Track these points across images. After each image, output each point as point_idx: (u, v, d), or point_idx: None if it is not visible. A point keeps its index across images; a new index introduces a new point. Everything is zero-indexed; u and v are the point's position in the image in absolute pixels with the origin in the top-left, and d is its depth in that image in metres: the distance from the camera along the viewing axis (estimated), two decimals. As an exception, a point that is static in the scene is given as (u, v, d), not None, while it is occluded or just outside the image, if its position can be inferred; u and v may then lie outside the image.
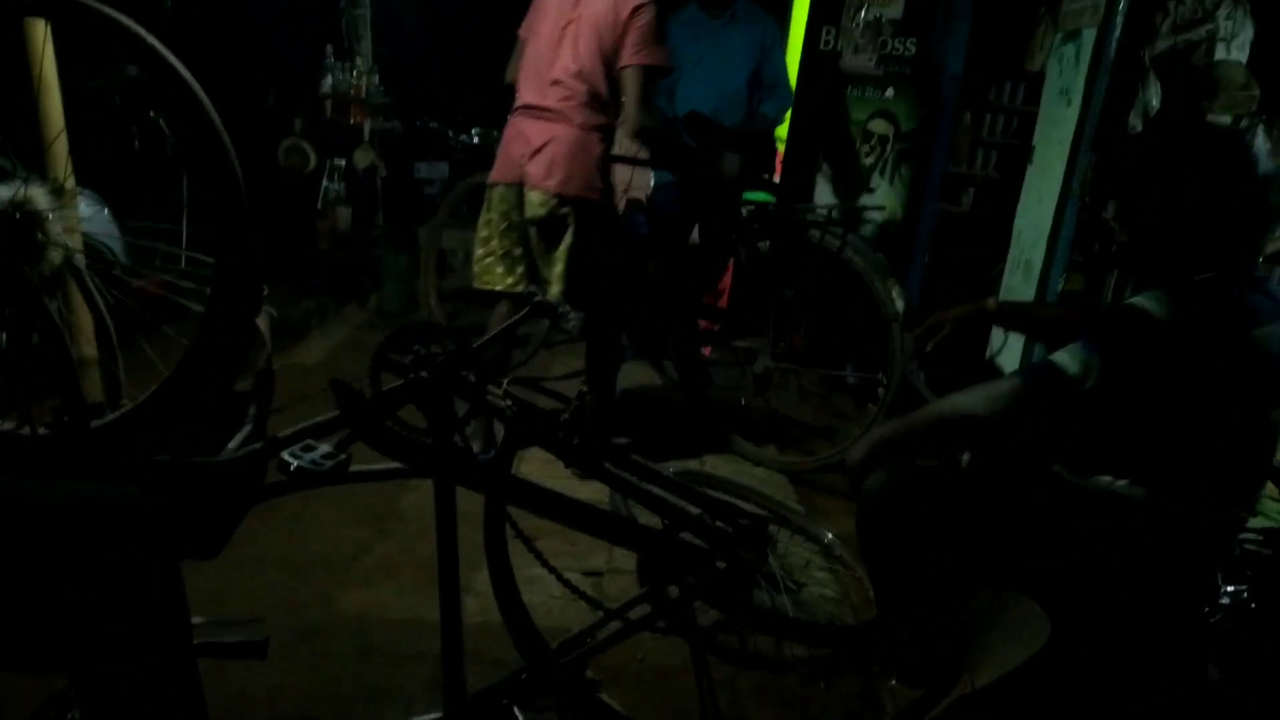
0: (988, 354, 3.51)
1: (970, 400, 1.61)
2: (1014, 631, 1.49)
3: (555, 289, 2.97)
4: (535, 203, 2.89)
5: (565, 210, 2.89)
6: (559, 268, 2.95)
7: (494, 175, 3.02)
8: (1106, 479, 1.66)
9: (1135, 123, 3.38)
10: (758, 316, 3.54)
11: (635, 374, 4.18)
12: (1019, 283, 3.43)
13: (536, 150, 2.86)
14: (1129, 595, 1.56)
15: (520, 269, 3.04)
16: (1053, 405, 1.55)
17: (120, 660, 1.25)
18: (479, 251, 3.08)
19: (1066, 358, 1.53)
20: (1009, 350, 3.41)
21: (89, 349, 1.62)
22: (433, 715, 1.66)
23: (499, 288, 3.05)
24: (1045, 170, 3.39)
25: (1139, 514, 1.60)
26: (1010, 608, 1.51)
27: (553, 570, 1.62)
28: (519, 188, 2.93)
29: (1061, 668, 1.47)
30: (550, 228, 2.92)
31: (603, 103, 2.90)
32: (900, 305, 3.18)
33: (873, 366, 3.38)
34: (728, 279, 4.45)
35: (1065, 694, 1.54)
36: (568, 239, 2.92)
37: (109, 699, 1.29)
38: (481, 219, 3.07)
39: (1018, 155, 3.78)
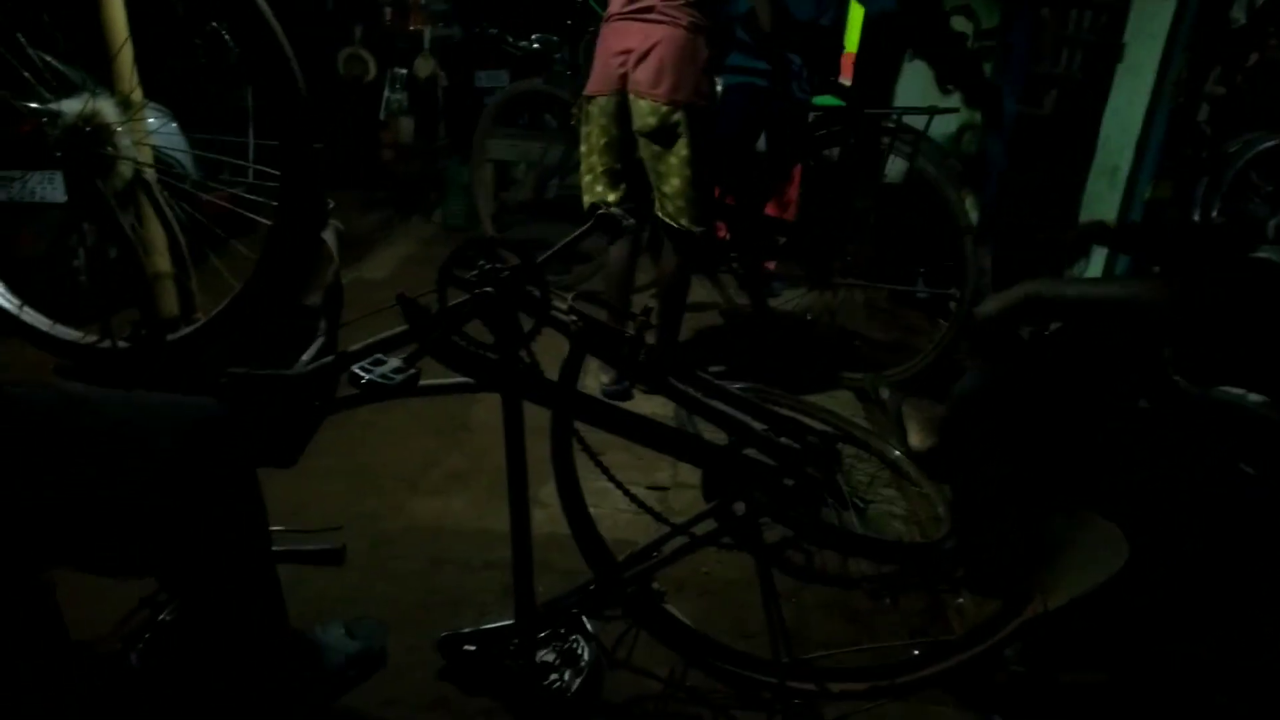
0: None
1: (1145, 288, 1.50)
2: (1090, 554, 1.45)
3: (674, 204, 2.85)
4: (644, 112, 2.76)
5: (677, 118, 2.75)
6: (675, 182, 2.83)
7: (590, 87, 2.89)
8: (1237, 391, 1.58)
9: (1238, 16, 3.15)
10: (826, 228, 3.44)
11: (693, 289, 4.14)
12: (1104, 189, 3.26)
13: (642, 56, 2.72)
14: (1225, 517, 1.50)
15: (624, 185, 2.94)
16: (1258, 304, 1.43)
17: (204, 565, 1.29)
18: (582, 167, 3.00)
19: None
20: (1091, 273, 3.27)
21: (163, 264, 1.64)
22: (505, 622, 1.71)
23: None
24: (1136, 69, 3.18)
25: (1264, 429, 1.53)
26: (1088, 529, 1.47)
27: (619, 484, 1.62)
28: (621, 97, 2.81)
29: (1143, 592, 1.43)
30: (663, 139, 2.78)
31: (707, 3, 2.75)
32: (974, 216, 3.06)
33: (945, 280, 3.28)
34: (795, 189, 4.32)
35: (1142, 619, 1.51)
36: (683, 150, 2.79)
37: (196, 601, 1.35)
38: (581, 134, 2.97)
39: (1106, 53, 3.56)
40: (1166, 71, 3.06)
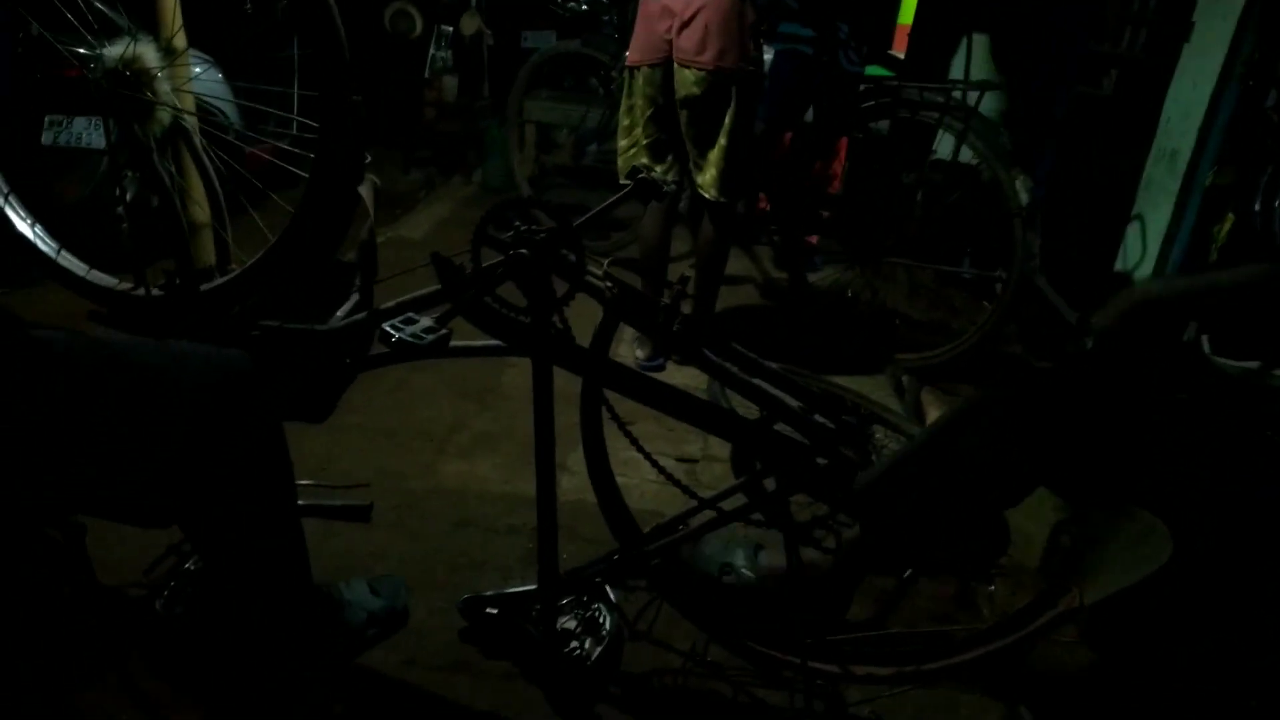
0: (1119, 265, 3.27)
1: (1255, 272, 1.44)
2: (1131, 548, 1.41)
3: (710, 173, 2.78)
4: (689, 81, 2.67)
5: (722, 87, 2.67)
6: (716, 152, 2.76)
7: (633, 56, 2.80)
8: None
9: (1318, -3, 3.00)
10: (871, 203, 3.37)
11: (731, 261, 4.08)
12: (1163, 173, 3.15)
13: (686, 22, 2.63)
14: (1235, 516, 1.45)
15: (670, 156, 2.86)
16: None
17: (229, 516, 1.29)
18: (622, 142, 2.91)
19: None
20: (1146, 264, 3.17)
21: (200, 213, 1.64)
22: (527, 587, 1.70)
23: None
24: (1204, 49, 3.06)
25: None
26: (1131, 522, 1.42)
27: (647, 455, 1.60)
28: (666, 66, 2.72)
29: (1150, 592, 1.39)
30: (706, 107, 2.71)
31: None
32: (1025, 197, 2.97)
33: (992, 262, 3.20)
34: (840, 162, 4.24)
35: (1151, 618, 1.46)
36: (726, 119, 2.71)
37: (220, 552, 1.35)
38: (622, 106, 2.89)
39: (1173, 32, 3.42)
40: (1237, 52, 2.94)
